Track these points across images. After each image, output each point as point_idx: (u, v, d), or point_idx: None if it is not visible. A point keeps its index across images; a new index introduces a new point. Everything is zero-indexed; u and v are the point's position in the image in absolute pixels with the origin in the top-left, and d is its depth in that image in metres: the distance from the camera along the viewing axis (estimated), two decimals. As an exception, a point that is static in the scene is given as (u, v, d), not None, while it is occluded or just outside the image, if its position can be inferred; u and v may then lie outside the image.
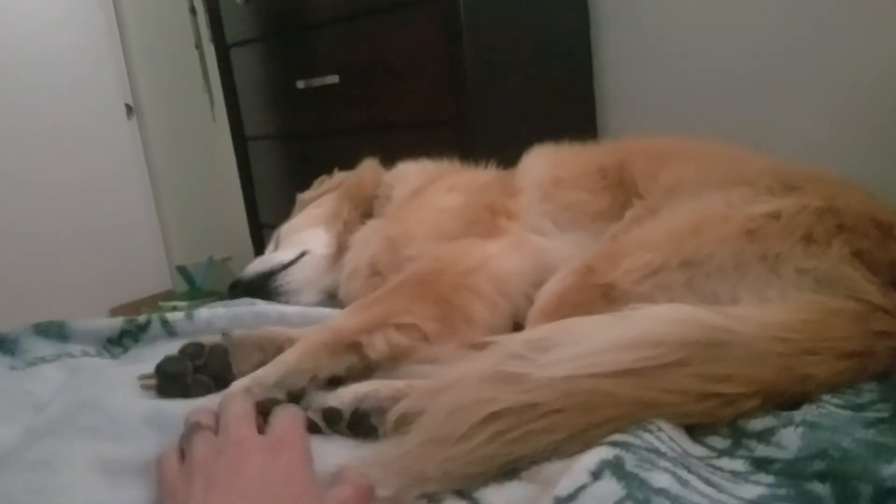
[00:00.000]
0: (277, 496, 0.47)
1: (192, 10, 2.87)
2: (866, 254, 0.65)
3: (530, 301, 0.79)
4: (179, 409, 0.65)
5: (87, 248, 2.83)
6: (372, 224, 1.12)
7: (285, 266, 1.13)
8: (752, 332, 0.56)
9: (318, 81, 1.96)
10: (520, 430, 0.50)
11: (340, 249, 1.13)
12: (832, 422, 0.52)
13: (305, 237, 1.20)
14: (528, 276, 0.84)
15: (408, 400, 0.58)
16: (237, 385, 0.66)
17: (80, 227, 2.81)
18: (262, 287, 1.10)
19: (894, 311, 0.62)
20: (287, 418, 0.57)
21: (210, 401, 0.65)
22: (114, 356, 0.90)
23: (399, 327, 0.74)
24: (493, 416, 0.50)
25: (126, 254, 2.96)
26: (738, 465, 0.50)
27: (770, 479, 0.48)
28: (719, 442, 0.54)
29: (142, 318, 0.93)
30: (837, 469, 0.45)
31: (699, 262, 0.67)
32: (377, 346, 0.72)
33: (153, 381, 0.72)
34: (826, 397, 0.56)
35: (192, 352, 0.73)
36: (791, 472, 0.47)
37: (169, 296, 2.95)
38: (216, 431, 0.54)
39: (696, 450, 0.52)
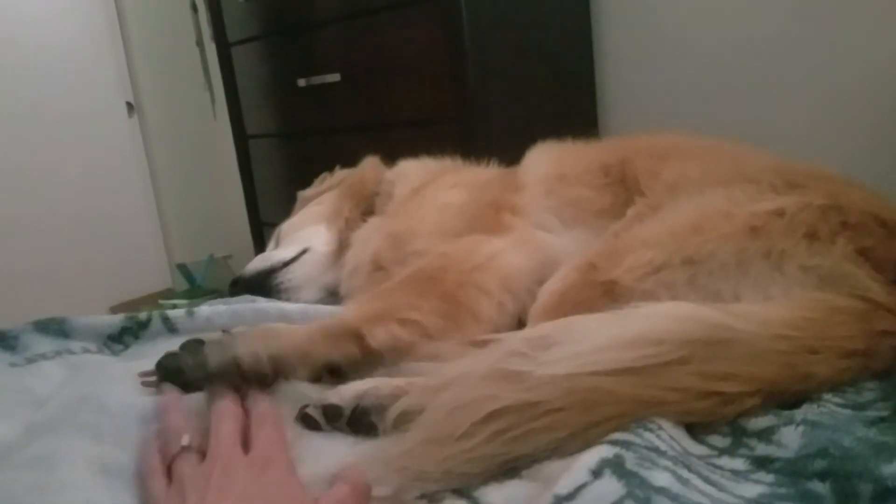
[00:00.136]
0: (270, 496, 0.48)
1: (194, 8, 2.87)
2: (870, 251, 0.65)
3: (533, 297, 0.79)
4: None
5: (88, 245, 2.83)
6: (373, 221, 1.12)
7: (286, 263, 1.13)
8: (754, 329, 0.55)
9: (319, 79, 1.96)
10: (520, 429, 0.50)
11: (342, 247, 1.13)
12: (833, 421, 0.52)
13: (307, 234, 1.20)
14: (533, 272, 0.84)
15: (408, 397, 0.58)
16: (230, 353, 0.66)
17: (80, 225, 2.81)
18: (263, 284, 1.10)
19: (896, 309, 0.62)
20: (267, 433, 0.56)
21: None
22: (114, 353, 0.90)
23: (403, 322, 0.74)
24: (494, 415, 0.50)
25: (126, 251, 2.96)
26: (739, 463, 0.50)
27: (770, 477, 0.48)
28: (720, 440, 0.54)
29: (142, 315, 0.93)
30: (838, 468, 0.45)
31: (702, 260, 0.67)
32: (379, 336, 0.72)
33: (154, 379, 0.72)
34: (827, 396, 0.56)
35: (193, 349, 0.73)
36: (791, 470, 0.47)
37: (169, 294, 2.95)
38: (200, 450, 0.55)
39: (697, 448, 0.52)
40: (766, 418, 0.54)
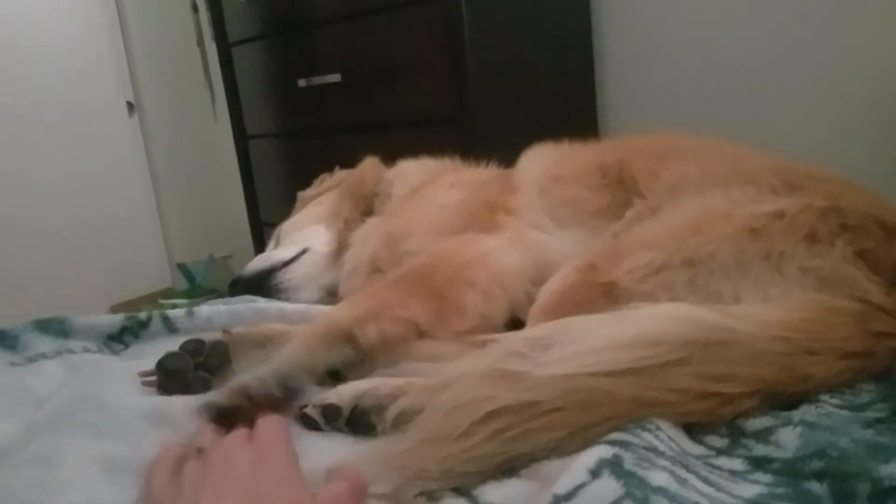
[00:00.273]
0: (269, 495, 0.47)
1: (194, 8, 2.87)
2: (870, 253, 0.65)
3: (530, 298, 0.79)
4: (180, 405, 0.66)
5: (88, 245, 2.83)
6: (372, 222, 1.12)
7: (286, 263, 1.13)
8: (753, 331, 0.56)
9: (319, 80, 1.96)
10: (519, 429, 0.50)
11: (341, 247, 1.13)
12: (831, 422, 0.52)
13: (306, 235, 1.20)
14: (525, 270, 0.84)
15: (407, 397, 0.58)
16: (235, 380, 0.66)
17: (80, 225, 2.81)
18: (263, 284, 1.10)
19: (895, 311, 0.62)
20: (270, 425, 0.56)
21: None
22: (114, 352, 0.90)
23: (393, 320, 0.74)
24: (493, 414, 0.50)
25: (126, 251, 2.96)
26: (737, 464, 0.50)
27: (768, 478, 0.48)
28: (718, 441, 0.54)
29: (142, 315, 0.93)
30: (835, 468, 0.45)
31: (701, 261, 0.67)
32: (370, 335, 0.72)
33: (154, 378, 0.72)
34: (825, 397, 0.56)
35: (193, 348, 0.74)
36: (789, 471, 0.47)
37: (169, 293, 2.95)
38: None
39: (695, 449, 0.53)
40: (764, 419, 0.54)
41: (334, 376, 0.72)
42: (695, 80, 1.86)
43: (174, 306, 1.03)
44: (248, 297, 1.05)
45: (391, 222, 1.04)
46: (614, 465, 0.46)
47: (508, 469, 0.51)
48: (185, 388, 0.71)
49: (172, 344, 0.75)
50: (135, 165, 3.02)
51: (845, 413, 0.54)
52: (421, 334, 0.75)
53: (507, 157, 1.13)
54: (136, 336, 0.92)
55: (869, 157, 1.59)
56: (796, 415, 0.53)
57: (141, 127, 3.05)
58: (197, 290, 2.77)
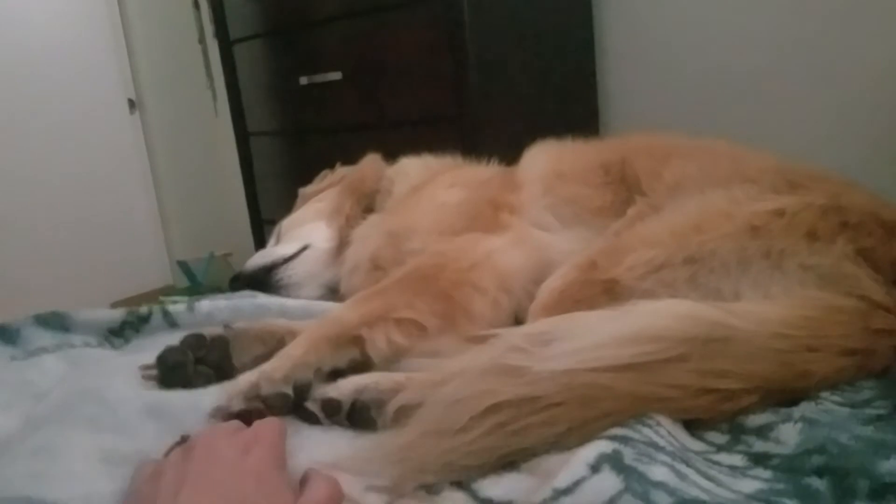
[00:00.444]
0: (247, 494, 0.46)
1: (196, 6, 2.88)
2: (870, 251, 0.65)
3: (531, 296, 0.79)
4: (180, 399, 0.66)
5: (89, 242, 2.83)
6: (373, 219, 1.12)
7: (286, 260, 1.13)
8: (753, 328, 0.56)
9: (320, 78, 1.96)
10: (519, 423, 0.50)
11: (342, 244, 1.13)
12: (831, 418, 0.52)
13: (307, 231, 1.20)
14: (529, 271, 0.84)
15: (407, 392, 0.58)
16: (243, 379, 0.65)
17: (81, 222, 2.81)
18: (263, 280, 1.10)
19: (895, 309, 0.62)
20: (266, 425, 0.55)
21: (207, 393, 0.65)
22: (115, 347, 0.90)
23: (399, 322, 0.74)
24: (493, 409, 0.50)
25: (127, 248, 2.96)
26: (737, 459, 0.51)
27: (768, 473, 0.48)
28: (718, 437, 0.54)
29: (143, 310, 0.93)
30: (835, 464, 0.46)
31: (702, 259, 0.67)
32: (378, 344, 0.71)
33: (154, 372, 0.72)
34: (825, 394, 0.56)
35: (194, 343, 0.74)
36: (789, 467, 0.48)
37: (169, 291, 2.95)
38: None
39: (695, 444, 0.53)
40: (765, 415, 0.54)
41: (334, 372, 0.72)
42: (695, 79, 1.86)
43: (175, 303, 1.03)
44: (248, 292, 1.05)
45: (393, 220, 1.04)
46: (614, 460, 0.46)
47: (508, 463, 0.51)
48: (186, 383, 0.71)
49: (173, 338, 0.75)
50: (136, 163, 3.02)
51: (845, 410, 0.54)
52: (426, 337, 0.75)
53: (508, 154, 1.13)
54: (137, 331, 0.92)
55: (869, 157, 1.59)
56: (796, 411, 0.53)
57: (142, 124, 3.05)
58: (197, 288, 2.77)
